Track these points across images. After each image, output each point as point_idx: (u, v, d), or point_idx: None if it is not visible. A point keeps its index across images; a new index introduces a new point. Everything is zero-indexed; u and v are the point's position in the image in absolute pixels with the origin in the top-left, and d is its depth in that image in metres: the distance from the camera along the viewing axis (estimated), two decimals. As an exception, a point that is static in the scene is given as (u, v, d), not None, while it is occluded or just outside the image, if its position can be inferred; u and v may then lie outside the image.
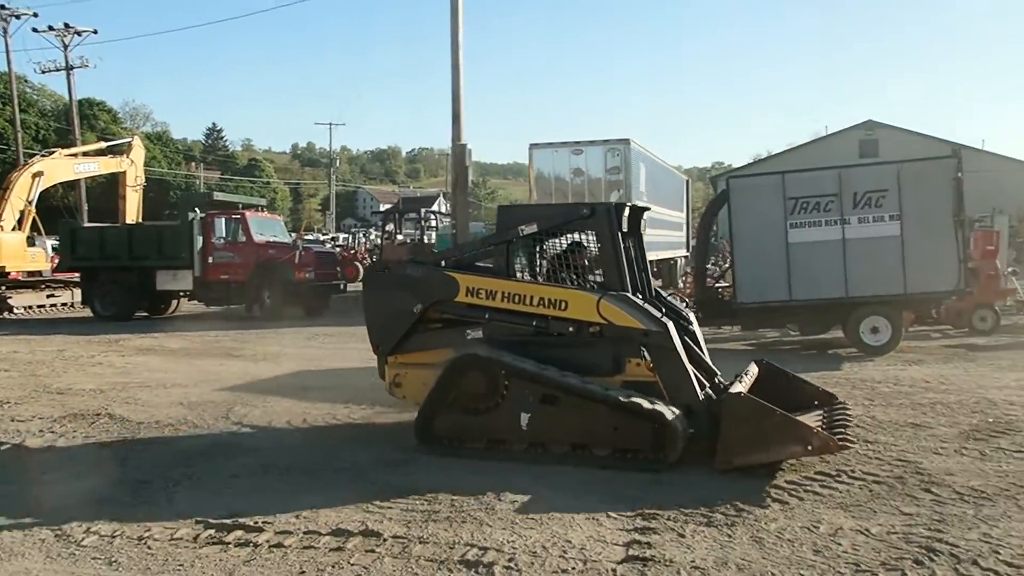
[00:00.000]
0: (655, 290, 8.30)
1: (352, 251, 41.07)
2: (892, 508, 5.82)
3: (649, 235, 25.10)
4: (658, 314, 7.35)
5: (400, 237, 30.85)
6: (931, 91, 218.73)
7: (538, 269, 7.98)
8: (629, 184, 22.27)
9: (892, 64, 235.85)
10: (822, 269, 13.50)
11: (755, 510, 5.83)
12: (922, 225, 13.10)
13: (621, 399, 6.84)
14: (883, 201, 13.32)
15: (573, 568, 4.93)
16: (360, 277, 36.10)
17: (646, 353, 7.13)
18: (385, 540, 5.40)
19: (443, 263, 7.97)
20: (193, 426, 8.88)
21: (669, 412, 6.78)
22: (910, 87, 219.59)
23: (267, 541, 5.39)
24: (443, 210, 41.22)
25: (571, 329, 7.31)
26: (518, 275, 7.74)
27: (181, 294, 22.54)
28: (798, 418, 6.86)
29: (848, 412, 7.79)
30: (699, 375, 7.43)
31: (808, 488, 6.28)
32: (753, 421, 6.56)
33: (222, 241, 21.39)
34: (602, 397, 6.91)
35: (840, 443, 6.59)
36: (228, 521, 5.73)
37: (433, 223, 33.46)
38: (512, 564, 4.99)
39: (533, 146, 23.06)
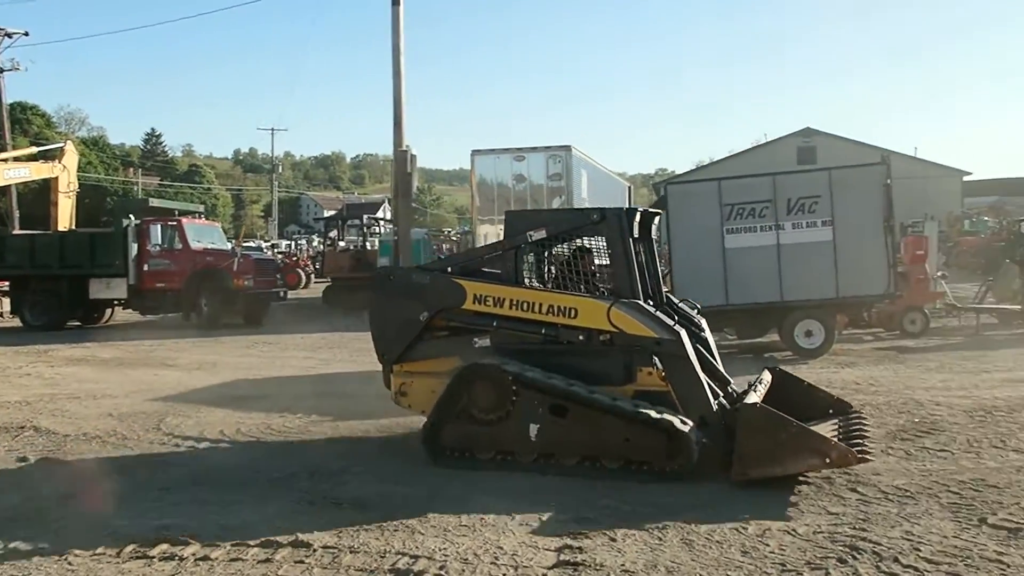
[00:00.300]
0: (667, 296, 8.12)
1: (294, 258, 40.79)
2: (819, 508, 5.92)
3: (591, 242, 25.37)
4: (670, 322, 7.11)
5: (342, 244, 30.56)
6: (867, 99, 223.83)
7: (547, 276, 7.77)
8: (571, 190, 22.39)
9: (831, 72, 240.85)
10: (758, 274, 13.71)
11: (683, 512, 5.89)
12: (853, 230, 13.39)
13: (631, 410, 6.67)
14: (816, 207, 13.59)
15: (504, 574, 4.92)
16: (303, 284, 35.99)
17: (658, 362, 6.93)
18: (315, 551, 5.33)
19: (450, 269, 7.78)
20: (122, 438, 8.69)
21: (681, 423, 6.61)
22: (848, 95, 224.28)
23: (193, 555, 5.28)
24: (388, 216, 40.99)
25: (581, 338, 7.09)
26: (527, 282, 7.54)
27: (115, 303, 22.01)
28: (814, 429, 6.73)
29: (864, 422, 7.61)
30: (712, 384, 7.23)
31: (739, 490, 6.35)
32: (769, 432, 6.33)
33: (158, 248, 20.98)
34: (611, 408, 6.72)
35: (860, 455, 6.38)
36: (153, 535, 5.62)
37: (376, 230, 33.25)
38: (443, 572, 4.97)
39: (475, 152, 23.08)
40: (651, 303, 7.49)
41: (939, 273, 18.32)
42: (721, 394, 7.30)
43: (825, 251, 13.53)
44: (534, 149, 22.60)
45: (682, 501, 6.14)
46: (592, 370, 7.08)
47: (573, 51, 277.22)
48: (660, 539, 5.40)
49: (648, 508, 6.00)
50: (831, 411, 7.74)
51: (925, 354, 13.66)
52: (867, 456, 6.50)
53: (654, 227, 8.21)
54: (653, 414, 6.60)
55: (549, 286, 7.58)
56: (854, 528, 5.51)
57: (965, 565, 4.88)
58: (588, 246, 7.62)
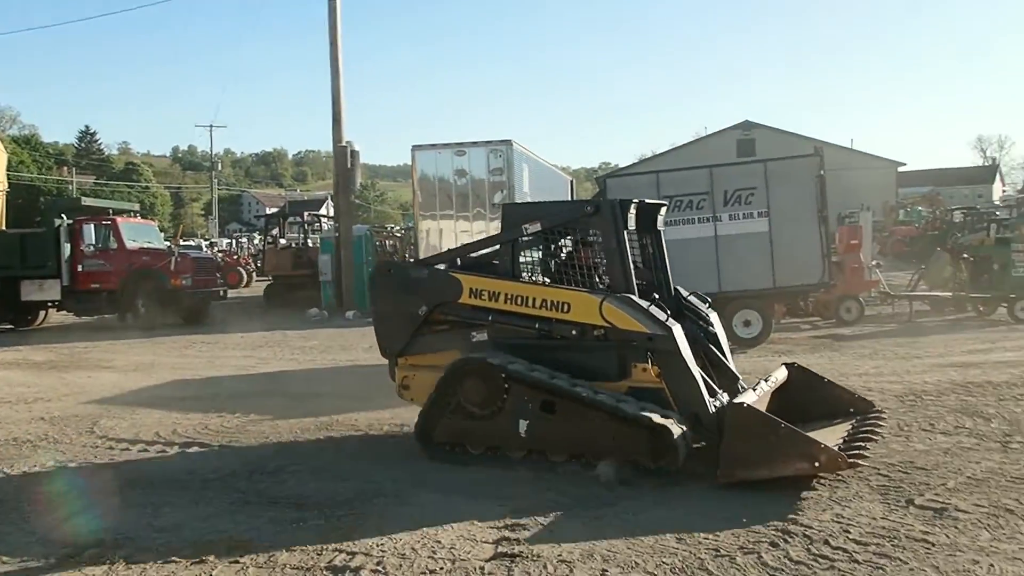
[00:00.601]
0: (675, 289, 7.88)
1: (235, 256, 40.28)
2: (753, 493, 6.00)
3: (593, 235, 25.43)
4: (663, 317, 6.85)
5: (283, 242, 30.23)
6: (805, 93, 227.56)
7: (541, 270, 7.63)
8: (512, 185, 22.40)
9: (770, 66, 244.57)
10: (696, 265, 13.82)
11: (622, 501, 5.94)
12: (789, 221, 13.61)
13: (611, 405, 6.53)
14: (752, 199, 13.79)
15: (441, 568, 4.92)
16: (244, 283, 35.53)
17: (652, 358, 6.83)
18: (250, 551, 5.27)
19: (448, 264, 7.70)
20: (54, 442, 8.49)
21: (664, 419, 6.42)
22: (787, 89, 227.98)
23: (124, 559, 5.18)
24: (330, 213, 40.62)
25: (574, 332, 6.98)
26: (524, 276, 7.45)
27: (49, 304, 21.45)
28: (817, 430, 6.60)
29: (881, 422, 7.33)
30: (713, 380, 7.12)
31: (675, 478, 6.41)
32: (757, 434, 6.11)
33: (92, 248, 20.52)
34: (593, 402, 6.59)
35: (851, 460, 6.14)
36: (84, 540, 5.51)
37: (318, 227, 32.95)
38: (380, 567, 4.95)
39: (416, 147, 22.95)
40: (656, 296, 7.38)
41: (874, 262, 18.74)
42: (723, 392, 7.13)
43: (761, 242, 13.73)
44: (475, 144, 22.56)
45: (622, 492, 6.19)
46: (586, 365, 6.96)
47: (517, 47, 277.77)
48: (597, 529, 5.44)
49: (588, 500, 6.04)
50: (851, 410, 7.49)
51: (860, 341, 13.96)
52: (859, 461, 6.26)
53: (660, 218, 7.98)
54: (633, 410, 6.46)
55: (546, 280, 7.46)
56: (787, 512, 5.61)
57: (892, 545, 5.00)
58: (590, 239, 7.42)
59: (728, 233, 13.86)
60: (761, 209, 13.77)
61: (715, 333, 7.58)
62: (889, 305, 17.62)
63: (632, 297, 6.95)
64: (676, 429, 6.40)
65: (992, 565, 4.66)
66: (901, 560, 4.78)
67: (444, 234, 22.98)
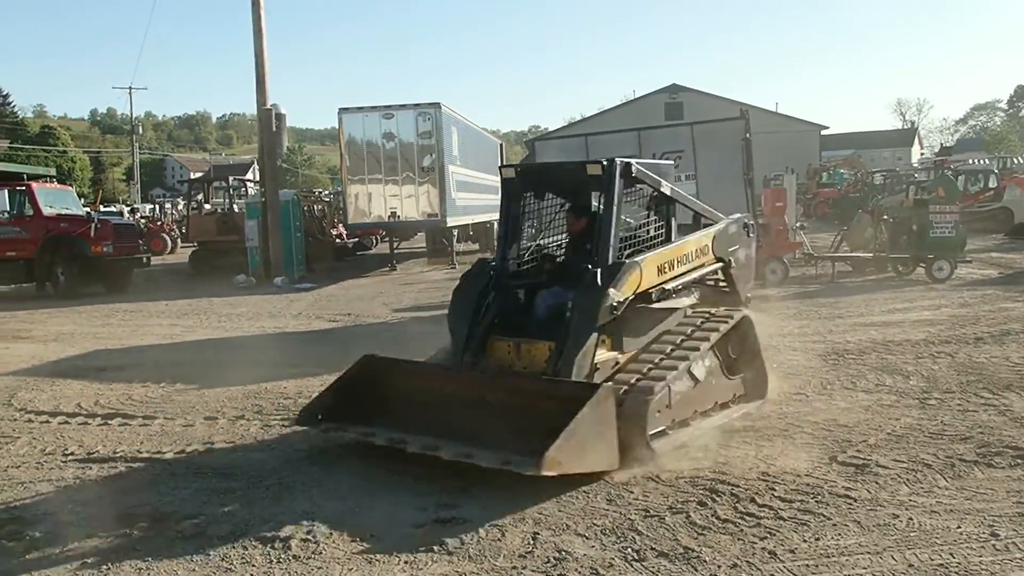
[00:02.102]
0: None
1: (159, 223, 39.25)
2: (681, 455, 6.07)
3: (464, 199, 25.34)
4: None
5: (208, 207, 29.53)
6: (731, 58, 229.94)
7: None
8: (441, 148, 22.31)
9: (697, 34, 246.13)
10: (625, 228, 13.93)
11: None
12: (715, 183, 13.70)
13: None
14: (679, 161, 13.85)
15: (372, 536, 4.89)
16: (168, 249, 34.70)
17: None
18: (177, 522, 5.17)
19: None
20: (-32, 416, 8.21)
21: None
22: (714, 52, 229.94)
23: (45, 533, 5.04)
24: (256, 177, 39.84)
25: None
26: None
27: (-39, 274, 20.69)
28: None
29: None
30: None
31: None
32: None
33: (6, 215, 19.73)
34: None
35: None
36: (4, 515, 5.35)
37: (244, 191, 32.30)
38: (310, 536, 4.89)
39: (343, 110, 22.66)
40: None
41: (798, 224, 19.05)
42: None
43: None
44: (403, 106, 22.35)
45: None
46: None
47: (448, 11, 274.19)
48: (528, 493, 5.44)
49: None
50: None
51: (784, 302, 14.21)
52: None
53: None
54: None
55: None
56: (714, 472, 5.71)
57: (816, 502, 5.12)
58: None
59: (656, 196, 13.92)
60: (689, 172, 13.85)
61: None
62: (812, 266, 17.97)
63: None
64: None
65: (911, 519, 4.80)
66: (824, 516, 4.90)
67: (373, 198, 22.79)
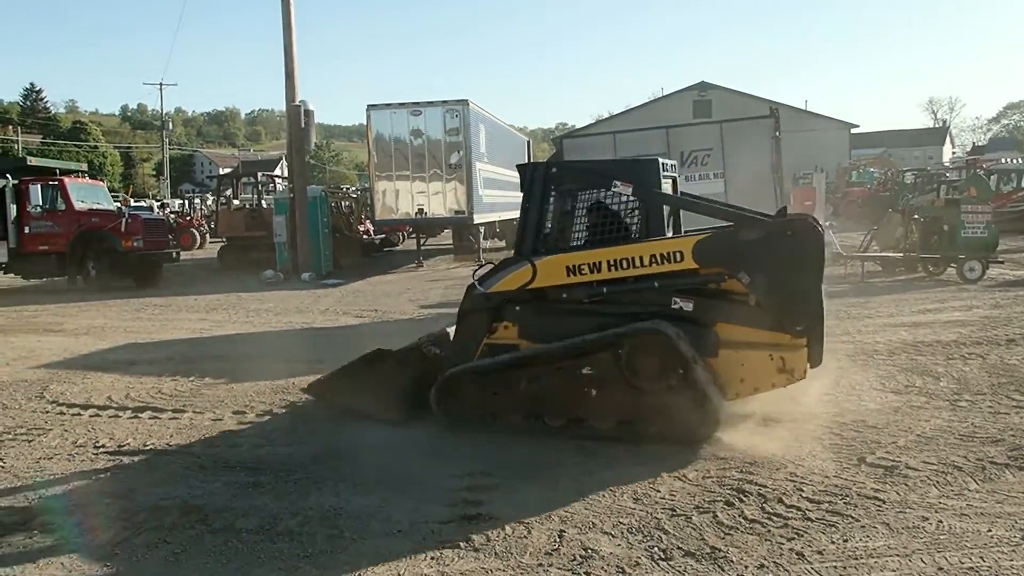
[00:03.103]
0: None
1: (188, 218, 39.59)
2: (709, 454, 6.06)
3: (491, 196, 25.37)
4: None
5: (237, 203, 29.74)
6: (761, 55, 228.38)
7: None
8: (469, 145, 22.34)
9: (727, 28, 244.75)
10: (653, 226, 13.89)
11: (581, 463, 5.97)
12: (744, 182, 13.66)
13: None
14: (708, 159, 13.83)
15: (399, 531, 4.91)
16: (197, 244, 35.00)
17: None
18: (206, 515, 5.23)
19: None
20: (3, 408, 8.31)
21: None
22: (743, 49, 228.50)
23: (76, 525, 5.12)
24: (284, 174, 40.14)
25: None
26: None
27: (-4, 267, 20.98)
28: None
29: None
30: None
31: (638, 441, 6.43)
32: None
33: (39, 210, 20.00)
34: None
35: None
36: (33, 505, 5.43)
37: (272, 187, 32.51)
38: (337, 530, 4.93)
39: (371, 107, 22.73)
40: None
41: (827, 223, 18.88)
42: None
43: (718, 203, 13.76)
44: (431, 103, 22.39)
45: (571, 454, 6.21)
46: None
47: (476, 8, 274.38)
48: (554, 490, 5.46)
49: (543, 461, 6.06)
50: None
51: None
52: None
53: None
54: None
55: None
56: (741, 472, 5.68)
57: (844, 503, 5.09)
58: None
59: (685, 194, 13.88)
60: (717, 170, 13.82)
61: None
62: (842, 266, 17.81)
63: None
64: None
65: (940, 521, 4.76)
66: (853, 517, 4.86)
67: (400, 195, 22.86)
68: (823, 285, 6.47)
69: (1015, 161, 42.97)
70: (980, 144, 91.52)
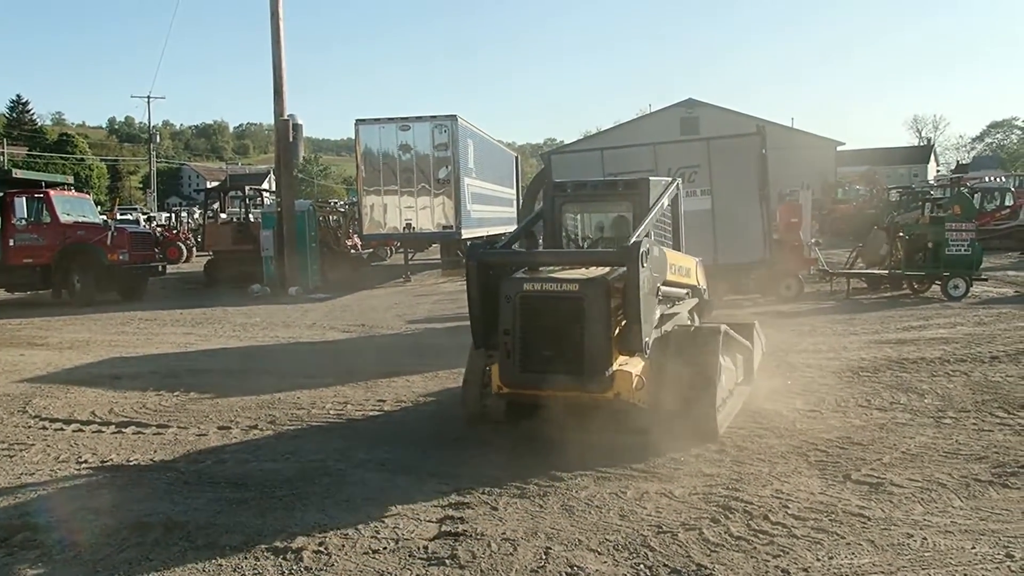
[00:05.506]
0: None
1: (174, 231, 39.43)
2: (695, 471, 6.07)
3: (480, 211, 25.37)
4: None
5: (224, 216, 29.63)
6: (749, 71, 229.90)
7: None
8: (457, 160, 22.38)
9: (714, 45, 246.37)
10: (640, 242, 13.91)
11: (568, 479, 5.96)
12: (730, 199, 13.72)
13: None
14: (695, 176, 13.86)
15: (384, 548, 4.89)
16: (183, 258, 34.85)
17: None
18: (190, 532, 5.19)
19: None
20: (-16, 422, 8.25)
21: None
22: (730, 66, 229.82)
23: (59, 541, 5.07)
24: (272, 187, 40.06)
25: None
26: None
27: (-22, 281, 20.82)
28: None
29: None
30: None
31: (619, 456, 6.44)
32: None
33: (24, 222, 19.86)
34: None
35: None
36: (16, 523, 5.37)
37: (260, 201, 32.42)
38: (322, 548, 4.90)
39: (359, 122, 22.76)
40: None
41: (813, 240, 18.99)
42: None
43: (704, 220, 13.78)
44: (419, 118, 22.44)
45: (563, 470, 6.20)
46: None
47: (465, 23, 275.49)
48: (541, 506, 5.46)
49: (530, 477, 6.04)
50: None
51: (799, 318, 14.17)
52: None
53: None
54: None
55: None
56: (727, 488, 5.69)
57: (830, 520, 5.09)
58: None
59: (671, 211, 13.92)
60: (704, 187, 13.86)
61: None
62: (827, 282, 17.91)
63: None
64: None
65: (925, 539, 4.77)
66: (838, 535, 4.87)
67: (388, 209, 22.86)
68: None
69: (998, 180, 43.35)
70: (964, 162, 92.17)
